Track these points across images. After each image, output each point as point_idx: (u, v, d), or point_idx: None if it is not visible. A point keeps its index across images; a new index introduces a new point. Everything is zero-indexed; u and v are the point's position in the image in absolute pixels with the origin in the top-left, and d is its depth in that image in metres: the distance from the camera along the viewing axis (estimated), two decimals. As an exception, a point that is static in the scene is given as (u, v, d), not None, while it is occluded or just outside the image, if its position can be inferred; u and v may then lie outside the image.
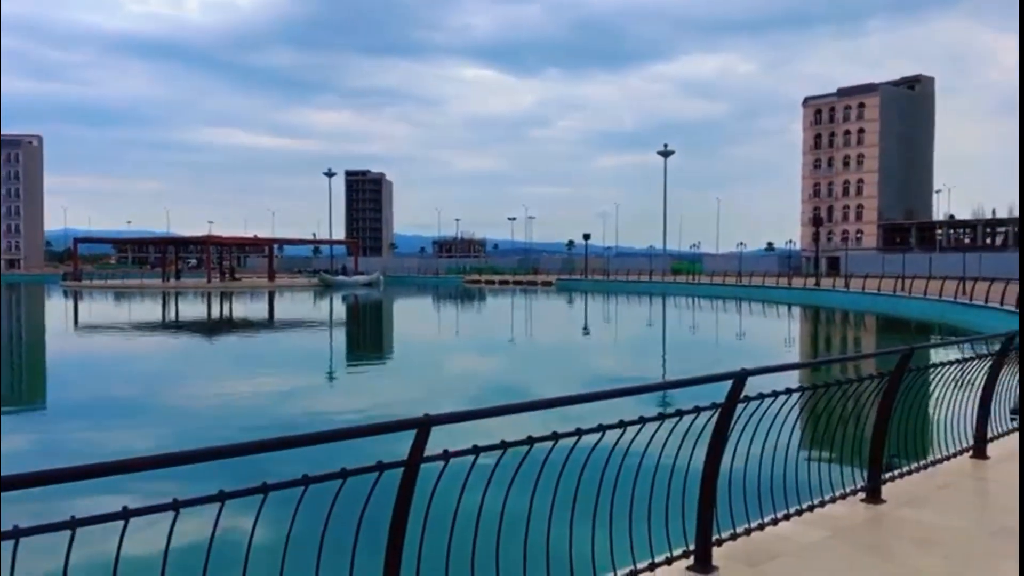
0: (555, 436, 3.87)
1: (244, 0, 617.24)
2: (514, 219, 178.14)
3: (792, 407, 5.36)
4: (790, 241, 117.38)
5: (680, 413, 4.50)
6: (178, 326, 44.07)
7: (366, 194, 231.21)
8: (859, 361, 19.24)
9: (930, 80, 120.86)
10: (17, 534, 2.41)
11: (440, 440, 3.54)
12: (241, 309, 57.83)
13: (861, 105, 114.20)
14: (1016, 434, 8.90)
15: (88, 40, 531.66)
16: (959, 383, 7.64)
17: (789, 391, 5.29)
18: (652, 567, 4.57)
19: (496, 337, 36.14)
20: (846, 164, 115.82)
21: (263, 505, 2.97)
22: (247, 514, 3.04)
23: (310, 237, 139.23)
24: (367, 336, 41.26)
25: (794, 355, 29.73)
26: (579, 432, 3.96)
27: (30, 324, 47.27)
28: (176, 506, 2.71)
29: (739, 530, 5.17)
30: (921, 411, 7.68)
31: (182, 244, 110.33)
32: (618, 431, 4.17)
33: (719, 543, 4.97)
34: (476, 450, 3.56)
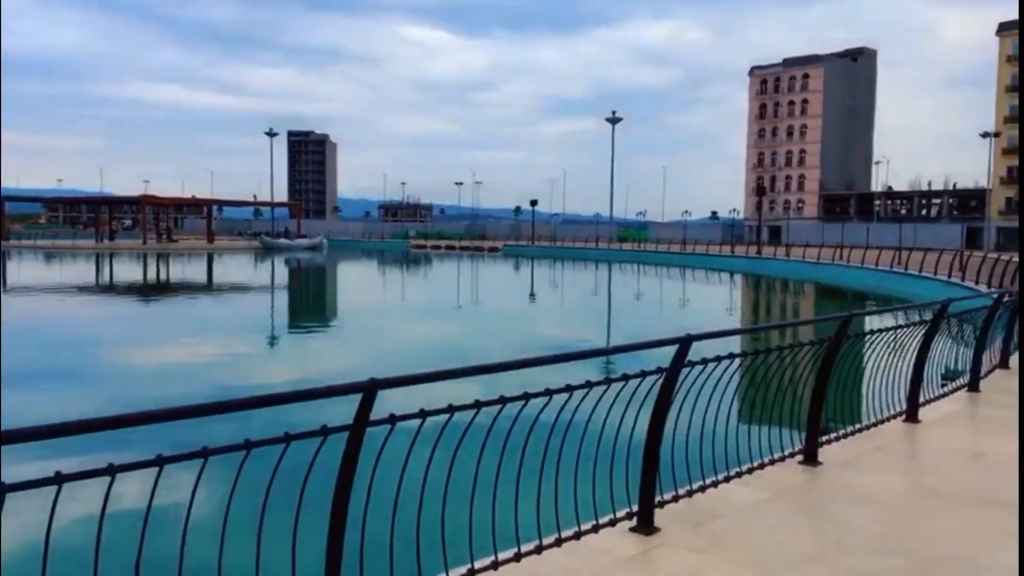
0: (503, 400, 3.87)
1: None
2: (461, 184, 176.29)
3: (734, 372, 5.46)
4: (734, 210, 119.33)
5: (626, 377, 4.55)
6: (112, 288, 42.87)
7: (309, 156, 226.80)
8: (799, 328, 19.74)
9: (872, 52, 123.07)
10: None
11: (386, 406, 3.51)
12: (178, 271, 56.49)
13: (806, 76, 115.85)
14: (946, 399, 9.26)
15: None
16: (894, 350, 7.90)
17: (732, 356, 5.38)
18: (596, 528, 4.64)
19: (443, 303, 36.05)
20: (790, 134, 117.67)
21: (203, 470, 2.91)
22: (187, 480, 2.98)
23: (251, 199, 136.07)
24: (310, 301, 40.74)
25: (736, 322, 30.36)
26: (527, 396, 3.98)
27: (-47, 286, 45.41)
28: (112, 471, 2.63)
29: (681, 492, 5.28)
30: (857, 377, 7.92)
31: (116, 204, 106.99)
32: (565, 395, 4.19)
33: (662, 505, 5.07)
34: (423, 414, 3.54)
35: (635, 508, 4.93)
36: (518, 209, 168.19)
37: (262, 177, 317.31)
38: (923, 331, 8.32)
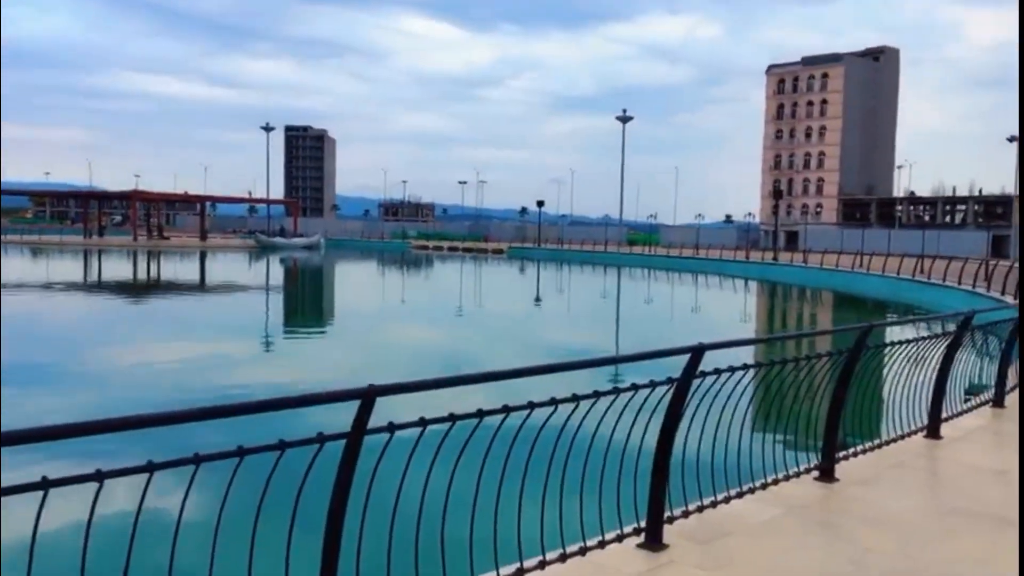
0: (506, 409, 3.88)
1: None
2: (464, 183, 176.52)
3: (748, 384, 5.46)
4: (749, 214, 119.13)
5: (635, 387, 4.55)
6: (101, 286, 42.97)
7: (307, 151, 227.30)
8: (816, 338, 19.70)
9: (895, 52, 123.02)
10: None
11: (385, 413, 3.51)
12: (170, 270, 56.60)
13: (825, 75, 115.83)
14: (969, 415, 9.23)
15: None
16: (915, 362, 7.88)
17: (746, 367, 5.38)
18: (602, 544, 4.64)
19: (444, 307, 36.05)
20: (808, 136, 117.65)
21: (194, 477, 2.92)
22: (178, 487, 2.99)
23: (246, 196, 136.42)
24: (306, 302, 40.76)
25: (751, 331, 30.30)
26: (531, 405, 3.98)
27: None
28: (100, 477, 2.64)
29: (691, 507, 5.28)
30: (876, 390, 7.91)
31: (106, 199, 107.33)
32: (571, 405, 4.19)
33: (671, 520, 5.07)
34: (423, 423, 3.54)
35: (643, 523, 4.93)
36: (524, 210, 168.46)
37: (258, 173, 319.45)
38: (946, 343, 8.30)
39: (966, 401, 9.65)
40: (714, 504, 5.45)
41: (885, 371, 7.73)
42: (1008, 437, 8.70)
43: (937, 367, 8.25)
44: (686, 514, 5.23)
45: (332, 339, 25.47)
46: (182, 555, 3.00)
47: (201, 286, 45.58)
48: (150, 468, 2.77)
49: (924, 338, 8.08)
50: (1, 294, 32.52)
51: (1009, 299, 24.15)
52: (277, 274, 57.94)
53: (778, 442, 6.30)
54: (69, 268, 54.98)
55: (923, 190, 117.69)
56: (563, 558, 4.39)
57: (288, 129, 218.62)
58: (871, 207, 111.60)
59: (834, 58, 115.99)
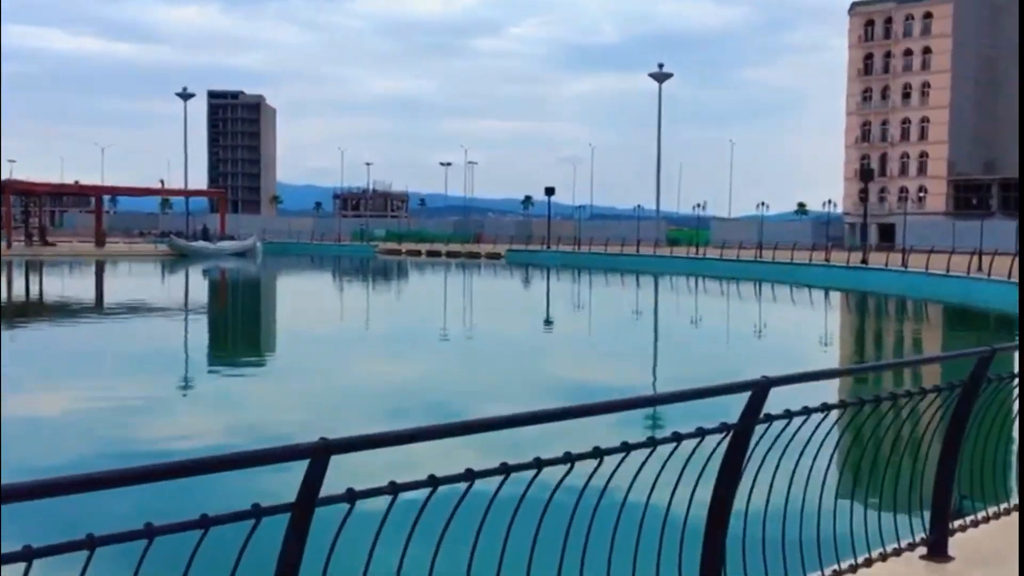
0: (505, 469, 3.87)
1: None
2: (449, 165, 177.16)
3: (829, 429, 5.46)
4: (829, 202, 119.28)
5: (678, 437, 4.54)
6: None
7: (238, 125, 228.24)
8: (920, 367, 19.69)
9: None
10: None
11: (344, 477, 3.51)
12: (56, 286, 56.71)
13: (928, 15, 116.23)
14: None
15: None
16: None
17: (826, 407, 5.38)
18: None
19: (423, 334, 36.08)
20: (907, 97, 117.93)
21: (89, 564, 2.92)
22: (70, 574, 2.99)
23: (157, 185, 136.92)
24: (239, 329, 40.82)
25: (832, 359, 30.31)
26: (538, 464, 3.98)
27: None
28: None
29: (756, 596, 5.28)
30: (1003, 436, 7.90)
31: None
32: (592, 462, 4.19)
33: (729, 614, 5.07)
34: (394, 488, 3.54)
35: (691, 618, 4.93)
36: (528, 200, 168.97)
37: (173, 156, 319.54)
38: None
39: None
40: (787, 591, 5.45)
41: (1015, 410, 7.73)
42: None
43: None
44: (749, 605, 5.22)
45: (273, 379, 25.47)
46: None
47: (98, 307, 45.63)
48: (28, 556, 2.75)
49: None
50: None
51: None
52: (199, 290, 58.09)
53: (871, 507, 6.30)
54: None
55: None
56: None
57: (212, 95, 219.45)
58: (992, 190, 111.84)
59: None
